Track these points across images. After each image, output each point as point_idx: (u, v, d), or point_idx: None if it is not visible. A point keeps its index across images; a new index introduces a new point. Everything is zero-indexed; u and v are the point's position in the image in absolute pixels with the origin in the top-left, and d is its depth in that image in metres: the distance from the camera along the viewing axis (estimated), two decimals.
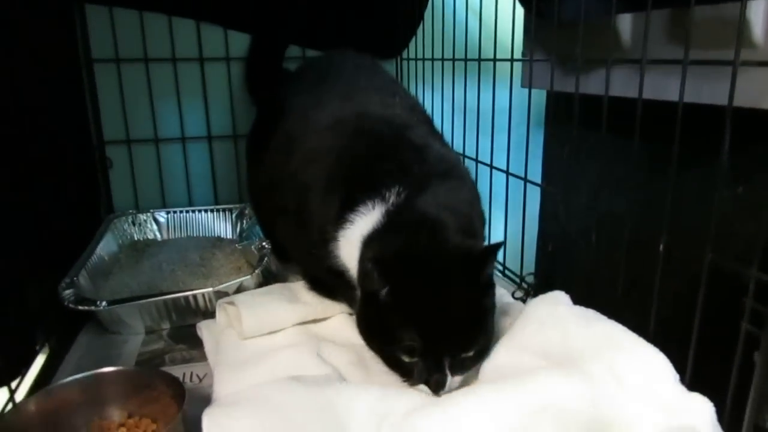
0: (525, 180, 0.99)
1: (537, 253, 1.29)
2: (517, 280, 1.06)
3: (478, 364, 0.71)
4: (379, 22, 1.39)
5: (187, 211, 1.34)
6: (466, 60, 1.11)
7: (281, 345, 0.83)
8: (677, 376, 0.64)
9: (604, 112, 0.76)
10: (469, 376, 0.71)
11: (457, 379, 0.68)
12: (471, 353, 0.68)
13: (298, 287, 0.97)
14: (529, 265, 1.04)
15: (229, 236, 1.31)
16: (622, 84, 0.82)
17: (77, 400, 0.69)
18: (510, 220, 1.08)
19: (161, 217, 1.32)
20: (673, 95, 0.66)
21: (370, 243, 0.73)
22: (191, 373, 0.84)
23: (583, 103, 0.85)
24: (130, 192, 1.35)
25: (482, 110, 1.12)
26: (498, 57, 1.05)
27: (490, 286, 0.72)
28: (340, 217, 0.76)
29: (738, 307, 0.60)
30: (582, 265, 1.16)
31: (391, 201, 0.75)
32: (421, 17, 1.34)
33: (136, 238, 1.29)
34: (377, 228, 0.73)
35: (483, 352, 0.71)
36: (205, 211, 1.35)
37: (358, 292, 0.77)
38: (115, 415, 0.70)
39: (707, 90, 0.73)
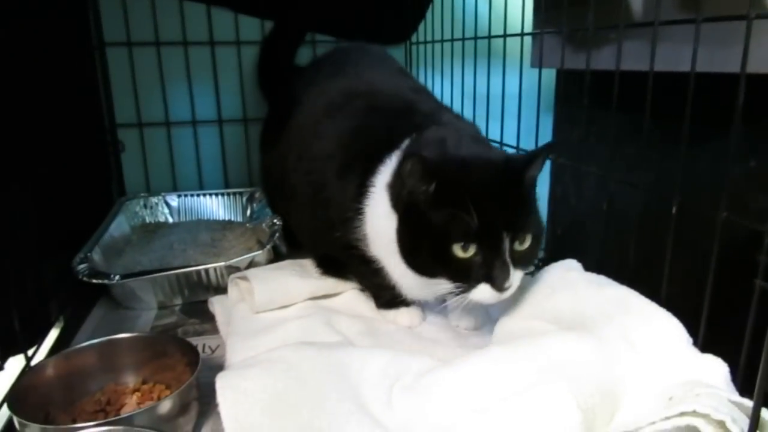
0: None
1: (546, 236, 1.29)
2: None
3: (532, 259, 0.69)
4: (388, 6, 1.40)
5: (197, 195, 1.35)
6: (476, 38, 1.11)
7: (292, 316, 0.84)
8: (690, 340, 0.63)
9: (617, 80, 0.76)
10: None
11: (518, 275, 0.65)
12: (527, 241, 0.66)
13: (309, 263, 0.98)
14: None
15: (240, 220, 1.32)
16: (634, 57, 0.81)
17: (93, 365, 0.69)
18: None
19: (172, 200, 1.33)
20: (685, 65, 0.66)
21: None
22: (204, 345, 0.85)
23: (593, 80, 0.85)
24: (142, 175, 1.37)
25: (492, 94, 1.12)
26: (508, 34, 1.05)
27: (534, 187, 0.70)
28: (362, 188, 0.75)
29: (751, 273, 0.60)
30: (592, 247, 1.16)
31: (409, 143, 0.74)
32: (429, 3, 1.34)
33: (147, 221, 1.30)
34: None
35: (536, 243, 0.68)
36: (216, 194, 1.36)
37: (375, 265, 0.77)
38: (130, 380, 0.71)
39: (720, 57, 0.72)
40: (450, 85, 1.32)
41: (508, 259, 0.64)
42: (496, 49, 1.08)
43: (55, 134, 1.01)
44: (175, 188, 1.38)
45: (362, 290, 0.92)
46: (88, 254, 0.96)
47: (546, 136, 1.23)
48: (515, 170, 0.67)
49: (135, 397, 0.69)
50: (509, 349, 0.63)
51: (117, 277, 0.90)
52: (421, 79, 1.40)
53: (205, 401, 0.67)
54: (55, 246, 0.95)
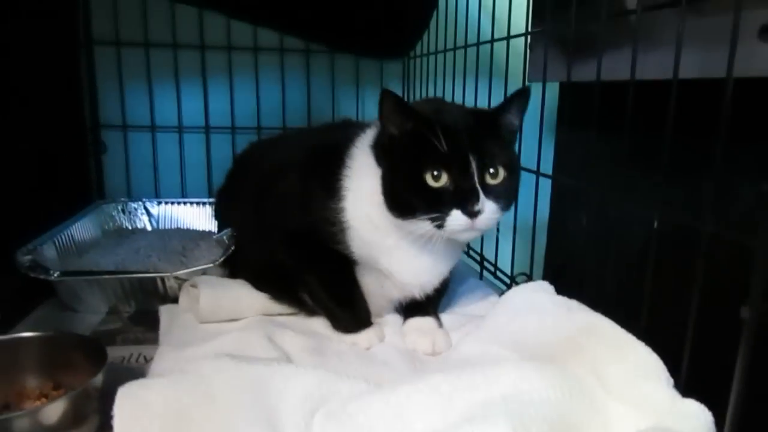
0: (537, 173, 0.88)
1: (543, 268, 1.19)
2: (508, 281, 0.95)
3: (508, 196, 0.67)
4: (387, 18, 1.35)
5: (179, 203, 1.30)
6: (478, 44, 1.03)
7: (233, 329, 0.76)
8: (671, 380, 0.54)
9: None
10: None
11: (491, 205, 0.65)
12: (499, 174, 0.66)
13: None
14: (522, 266, 0.94)
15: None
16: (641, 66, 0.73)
17: None
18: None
19: (152, 206, 1.28)
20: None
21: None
22: (139, 354, 0.77)
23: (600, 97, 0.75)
24: (124, 179, 1.32)
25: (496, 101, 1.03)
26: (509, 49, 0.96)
27: (512, 134, 0.73)
28: (337, 175, 0.76)
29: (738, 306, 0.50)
30: (589, 279, 1.06)
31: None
32: (432, 12, 1.28)
33: (124, 226, 1.24)
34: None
35: (510, 180, 0.68)
36: (198, 203, 1.30)
37: (350, 267, 0.77)
38: (35, 383, 0.63)
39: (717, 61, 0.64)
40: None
41: (478, 186, 0.65)
42: (498, 65, 1.00)
43: (26, 130, 0.97)
44: (156, 195, 1.33)
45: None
46: (38, 247, 0.90)
47: (547, 156, 1.15)
48: (489, 113, 0.72)
49: (39, 403, 0.61)
50: (453, 376, 0.54)
51: (56, 273, 0.84)
52: (420, 95, 1.34)
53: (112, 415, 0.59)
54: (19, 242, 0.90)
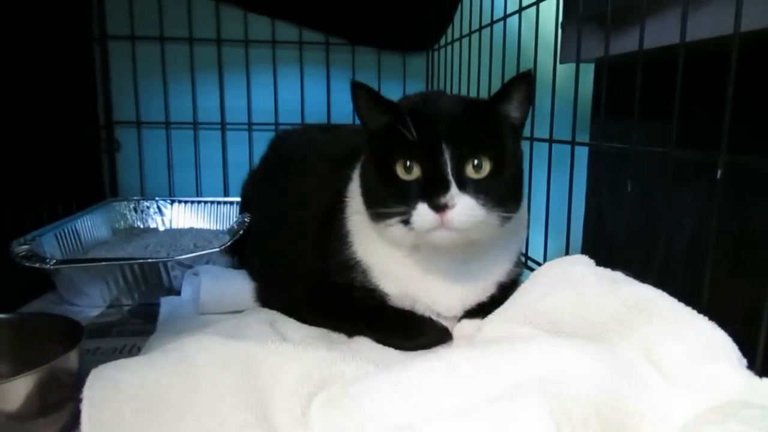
0: (573, 143, 0.77)
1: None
2: None
3: (497, 192, 0.57)
4: (410, 12, 1.29)
5: (193, 202, 1.25)
6: (505, 18, 0.95)
7: (233, 317, 0.69)
8: (743, 360, 0.44)
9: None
10: None
11: (467, 200, 0.55)
12: (484, 167, 0.57)
13: None
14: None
15: None
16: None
17: None
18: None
19: (165, 206, 1.23)
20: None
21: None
22: (133, 345, 0.71)
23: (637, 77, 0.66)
24: (137, 178, 1.28)
25: None
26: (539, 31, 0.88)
27: (513, 127, 0.62)
28: (339, 211, 0.68)
29: None
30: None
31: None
32: (458, 2, 1.22)
33: (135, 225, 1.20)
34: None
35: (500, 174, 0.58)
36: (213, 203, 1.25)
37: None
38: (5, 369, 0.57)
39: None
40: (476, 93, 1.17)
41: (450, 177, 0.56)
42: (526, 51, 0.92)
43: (39, 126, 0.94)
44: (170, 193, 1.28)
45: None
46: (37, 238, 0.86)
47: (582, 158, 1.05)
48: (483, 102, 0.63)
49: None
50: (477, 353, 0.45)
51: (53, 262, 0.78)
52: (444, 89, 1.26)
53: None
54: None
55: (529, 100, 0.62)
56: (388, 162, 0.59)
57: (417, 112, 0.59)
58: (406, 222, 0.56)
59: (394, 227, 0.58)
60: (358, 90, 0.62)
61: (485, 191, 0.56)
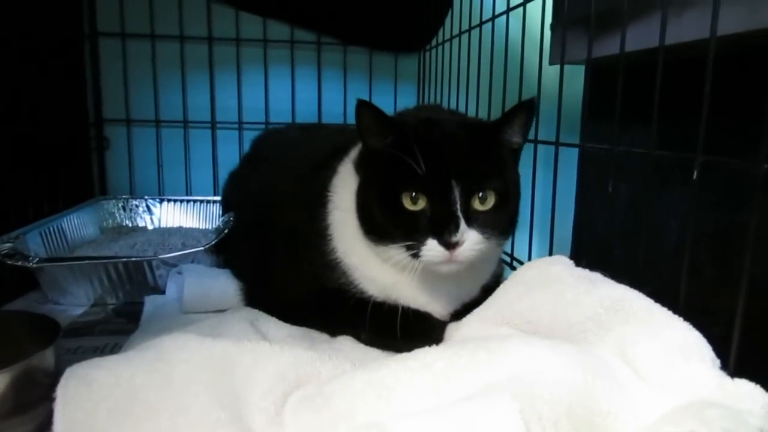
0: (557, 144, 0.78)
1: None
2: None
3: (500, 225, 0.58)
4: (403, 11, 1.29)
5: (183, 201, 1.24)
6: (493, 18, 0.95)
7: (215, 317, 0.68)
8: (717, 361, 0.44)
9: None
10: None
11: (474, 236, 0.56)
12: (489, 200, 0.58)
13: None
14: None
15: None
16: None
17: None
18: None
19: (154, 204, 1.23)
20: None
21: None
22: (115, 345, 0.71)
23: (628, 79, 0.66)
24: (127, 176, 1.27)
25: (509, 100, 0.95)
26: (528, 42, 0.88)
27: (513, 153, 0.63)
28: (321, 205, 0.68)
29: None
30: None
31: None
32: (450, 3, 1.22)
33: (123, 223, 1.19)
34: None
35: (504, 207, 0.59)
36: (203, 202, 1.25)
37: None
38: None
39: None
40: (465, 93, 1.17)
41: (460, 213, 0.56)
42: (514, 51, 0.92)
43: (29, 123, 0.93)
44: (160, 192, 1.28)
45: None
46: (21, 236, 0.85)
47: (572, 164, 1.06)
48: (485, 128, 0.62)
49: None
50: (450, 352, 0.45)
51: (36, 260, 0.78)
52: (435, 90, 1.26)
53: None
54: None
55: (529, 126, 0.62)
56: (392, 190, 0.59)
57: (423, 139, 0.59)
58: (414, 255, 0.57)
59: (396, 251, 0.58)
60: (363, 109, 0.60)
61: (491, 224, 0.57)
